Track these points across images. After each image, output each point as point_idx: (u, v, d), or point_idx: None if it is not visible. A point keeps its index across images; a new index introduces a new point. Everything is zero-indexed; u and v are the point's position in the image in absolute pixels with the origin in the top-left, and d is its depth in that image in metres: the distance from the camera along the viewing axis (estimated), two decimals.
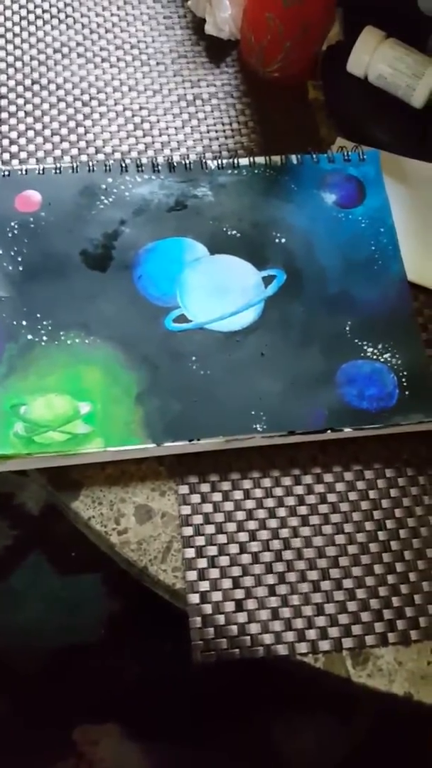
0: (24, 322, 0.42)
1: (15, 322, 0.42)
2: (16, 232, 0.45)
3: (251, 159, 0.50)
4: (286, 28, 0.52)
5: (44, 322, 0.43)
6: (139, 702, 0.84)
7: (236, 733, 0.78)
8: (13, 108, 0.52)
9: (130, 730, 0.82)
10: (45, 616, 0.91)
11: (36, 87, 0.53)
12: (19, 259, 0.44)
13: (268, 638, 0.37)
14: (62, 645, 0.89)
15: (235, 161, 0.49)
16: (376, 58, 0.53)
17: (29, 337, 0.42)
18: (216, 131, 0.52)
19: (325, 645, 0.37)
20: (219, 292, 0.45)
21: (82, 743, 0.83)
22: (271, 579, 0.39)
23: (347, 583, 0.39)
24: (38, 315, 0.43)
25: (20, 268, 0.44)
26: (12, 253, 0.44)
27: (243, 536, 0.39)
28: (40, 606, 0.92)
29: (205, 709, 0.81)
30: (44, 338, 0.42)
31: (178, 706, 0.82)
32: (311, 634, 0.38)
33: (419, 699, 0.36)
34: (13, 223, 0.45)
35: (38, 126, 0.51)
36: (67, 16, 0.57)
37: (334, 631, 0.38)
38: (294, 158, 0.50)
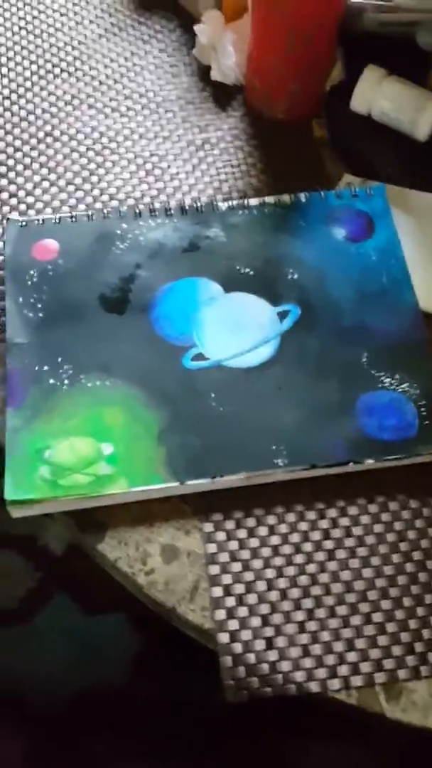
0: (45, 367, 0.43)
1: (37, 367, 0.43)
2: (35, 280, 0.46)
3: (261, 199, 0.51)
4: (290, 72, 0.53)
5: (65, 366, 0.44)
6: (167, 744, 0.82)
7: None
8: (27, 160, 0.54)
9: None
10: (71, 657, 0.90)
11: (49, 139, 0.55)
12: (39, 305, 0.45)
13: (299, 675, 0.37)
14: (88, 687, 0.88)
15: (245, 201, 0.51)
16: (378, 95, 0.54)
17: (51, 381, 0.43)
18: (225, 173, 0.54)
19: (357, 680, 0.37)
20: (235, 329, 0.46)
21: None
22: (300, 615, 0.38)
23: (377, 617, 0.39)
24: (59, 359, 0.44)
25: (40, 315, 0.45)
26: (32, 301, 0.46)
27: (270, 573, 0.39)
28: (66, 647, 0.91)
29: (236, 751, 0.80)
30: (66, 382, 0.43)
31: (208, 748, 0.81)
32: (343, 670, 0.37)
33: None
34: (32, 272, 0.47)
35: (53, 176, 0.53)
36: (76, 69, 0.59)
37: (365, 666, 0.37)
38: (303, 196, 0.51)
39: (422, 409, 0.43)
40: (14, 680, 0.89)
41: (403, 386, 0.44)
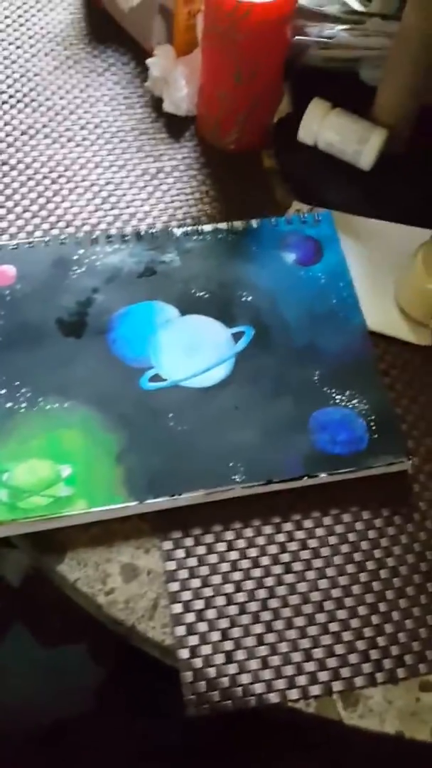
0: (2, 391, 0.44)
1: None
2: None
3: (214, 225, 0.53)
4: (239, 104, 0.56)
5: (23, 390, 0.44)
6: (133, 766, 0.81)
7: None
8: None
9: None
10: (30, 689, 0.89)
11: (6, 167, 0.56)
12: None
13: (259, 687, 0.38)
14: (49, 718, 0.86)
15: (199, 228, 0.52)
16: (324, 127, 0.57)
17: (8, 405, 0.43)
18: (179, 201, 0.56)
19: (315, 690, 0.38)
20: (191, 351, 0.47)
21: None
22: (258, 628, 0.39)
23: (333, 627, 0.40)
24: (17, 383, 0.44)
25: None
26: None
27: (228, 588, 0.40)
28: (25, 679, 0.89)
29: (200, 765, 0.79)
30: (23, 405, 0.43)
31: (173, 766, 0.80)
32: (301, 680, 0.38)
33: (411, 736, 0.37)
34: None
35: (9, 203, 0.54)
36: (32, 100, 0.60)
37: (323, 675, 0.38)
38: (254, 222, 0.53)
39: (371, 424, 0.45)
40: None
41: (353, 402, 0.46)
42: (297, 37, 0.60)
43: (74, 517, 0.41)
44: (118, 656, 0.88)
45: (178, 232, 0.52)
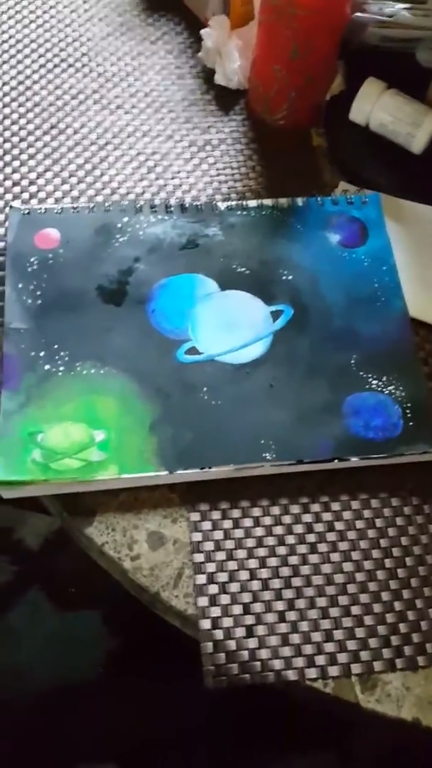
0: (42, 353, 0.44)
1: (33, 353, 0.44)
2: (35, 267, 0.47)
3: (259, 201, 0.52)
4: (292, 79, 0.55)
5: (61, 353, 0.44)
6: (140, 740, 0.83)
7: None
8: (32, 150, 0.54)
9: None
10: (43, 654, 0.90)
11: (54, 131, 0.56)
12: (38, 293, 0.46)
13: (278, 663, 0.38)
14: (60, 684, 0.88)
15: (244, 203, 0.52)
16: (377, 108, 0.56)
17: (47, 367, 0.44)
18: (225, 175, 0.55)
19: (334, 671, 0.38)
20: (229, 326, 0.47)
21: None
22: (280, 605, 0.39)
23: (355, 610, 0.40)
24: (55, 346, 0.44)
25: (39, 302, 0.46)
26: (32, 288, 0.46)
27: (253, 563, 0.40)
28: (39, 644, 0.91)
29: (212, 744, 0.80)
30: (61, 368, 0.44)
31: (183, 744, 0.81)
32: (320, 659, 0.38)
33: (427, 724, 0.37)
34: (32, 259, 0.47)
35: (57, 168, 0.54)
36: (84, 65, 0.60)
37: (342, 657, 0.38)
38: (299, 201, 0.52)
39: (407, 411, 0.44)
40: None
41: (389, 388, 0.45)
42: (356, 14, 0.59)
43: (105, 482, 0.41)
44: (131, 625, 0.89)
45: (222, 206, 0.52)
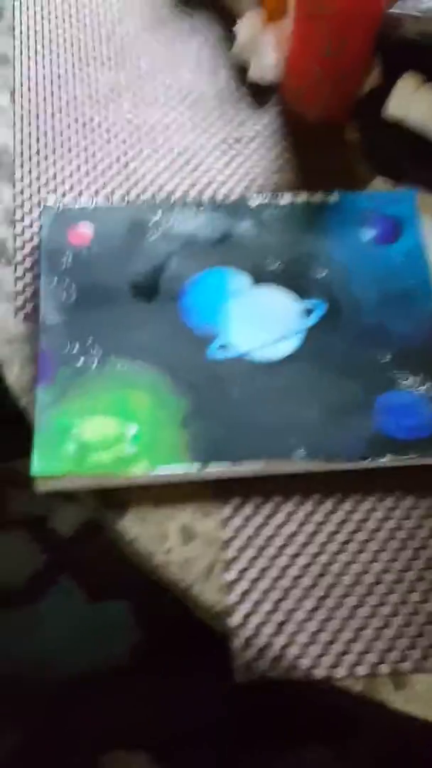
0: (75, 348, 0.45)
1: (67, 348, 0.45)
2: (69, 263, 0.48)
3: (292, 196, 0.52)
4: (326, 75, 0.54)
5: (94, 348, 0.45)
6: (169, 728, 0.84)
7: (270, 762, 0.78)
8: (66, 147, 0.55)
9: (159, 757, 0.82)
10: (71, 642, 0.91)
11: (88, 127, 0.56)
12: (72, 288, 0.47)
13: (307, 661, 0.38)
14: (89, 670, 0.89)
15: (277, 198, 0.52)
16: (414, 103, 0.55)
17: (80, 362, 0.44)
18: (258, 170, 0.55)
19: (362, 669, 0.38)
20: (261, 322, 0.47)
21: None
22: (309, 603, 0.39)
23: (384, 611, 0.40)
24: (89, 341, 0.45)
25: (73, 297, 0.46)
26: (65, 283, 0.47)
27: (283, 560, 0.40)
28: (67, 632, 0.92)
29: (238, 736, 0.81)
30: (94, 363, 0.44)
31: (210, 733, 0.82)
32: (349, 658, 0.38)
33: None
34: (66, 255, 0.48)
35: (90, 164, 0.54)
36: (117, 60, 0.60)
37: (371, 657, 0.38)
38: (333, 196, 0.52)
39: None
40: (14, 662, 0.90)
41: (422, 388, 0.45)
42: (392, 10, 0.58)
43: (137, 476, 0.41)
44: (160, 617, 0.90)
45: (255, 201, 0.51)
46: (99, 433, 0.42)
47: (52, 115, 0.57)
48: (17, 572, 0.97)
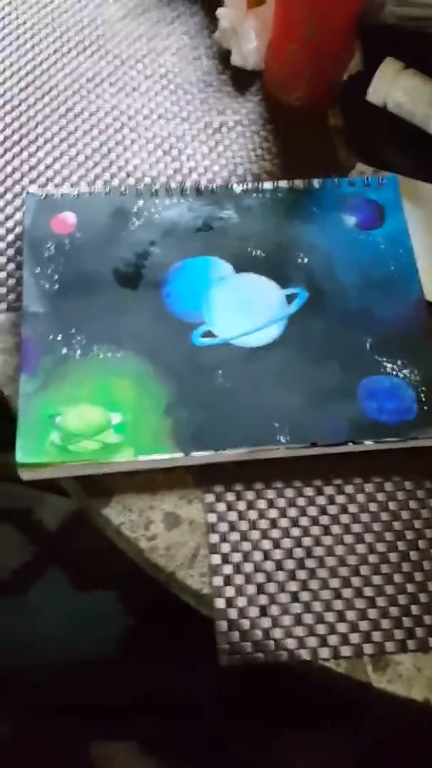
0: (59, 337, 0.45)
1: (50, 337, 0.45)
2: (52, 252, 0.47)
3: (275, 183, 0.52)
4: (308, 59, 0.54)
5: (78, 337, 0.45)
6: (157, 716, 0.84)
7: (257, 750, 0.79)
8: (48, 134, 0.55)
9: (148, 744, 0.83)
10: (61, 632, 0.92)
11: (70, 115, 0.56)
12: (55, 277, 0.47)
13: (291, 643, 0.38)
14: (78, 661, 0.89)
15: (259, 185, 0.52)
16: (394, 88, 0.55)
17: (64, 350, 0.44)
18: (241, 157, 0.55)
19: (346, 651, 0.38)
20: (244, 309, 0.47)
21: (99, 760, 0.83)
22: (293, 586, 0.40)
23: (367, 592, 0.40)
24: (72, 330, 0.45)
25: (56, 286, 0.46)
26: (48, 272, 0.47)
27: (267, 544, 0.41)
28: (56, 622, 0.92)
29: (226, 722, 0.81)
30: (78, 351, 0.44)
31: (197, 721, 0.83)
32: (333, 639, 0.39)
33: None
34: (49, 244, 0.48)
35: (72, 152, 0.54)
36: (99, 48, 0.60)
37: (355, 638, 0.39)
38: (316, 182, 0.52)
39: (422, 395, 0.44)
40: (2, 652, 0.90)
41: (404, 372, 0.45)
42: None
43: (121, 464, 0.42)
44: (147, 604, 0.91)
45: (237, 188, 0.51)
46: (83, 421, 0.42)
47: (33, 104, 0.56)
48: (4, 564, 0.97)
